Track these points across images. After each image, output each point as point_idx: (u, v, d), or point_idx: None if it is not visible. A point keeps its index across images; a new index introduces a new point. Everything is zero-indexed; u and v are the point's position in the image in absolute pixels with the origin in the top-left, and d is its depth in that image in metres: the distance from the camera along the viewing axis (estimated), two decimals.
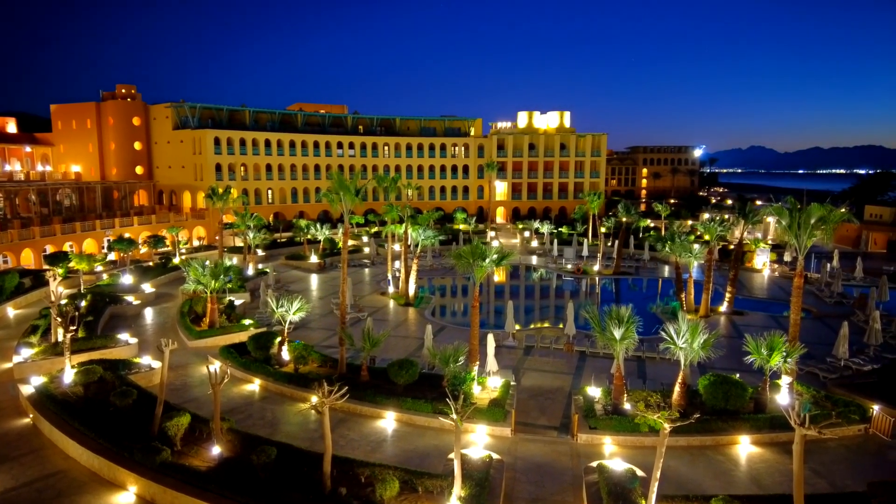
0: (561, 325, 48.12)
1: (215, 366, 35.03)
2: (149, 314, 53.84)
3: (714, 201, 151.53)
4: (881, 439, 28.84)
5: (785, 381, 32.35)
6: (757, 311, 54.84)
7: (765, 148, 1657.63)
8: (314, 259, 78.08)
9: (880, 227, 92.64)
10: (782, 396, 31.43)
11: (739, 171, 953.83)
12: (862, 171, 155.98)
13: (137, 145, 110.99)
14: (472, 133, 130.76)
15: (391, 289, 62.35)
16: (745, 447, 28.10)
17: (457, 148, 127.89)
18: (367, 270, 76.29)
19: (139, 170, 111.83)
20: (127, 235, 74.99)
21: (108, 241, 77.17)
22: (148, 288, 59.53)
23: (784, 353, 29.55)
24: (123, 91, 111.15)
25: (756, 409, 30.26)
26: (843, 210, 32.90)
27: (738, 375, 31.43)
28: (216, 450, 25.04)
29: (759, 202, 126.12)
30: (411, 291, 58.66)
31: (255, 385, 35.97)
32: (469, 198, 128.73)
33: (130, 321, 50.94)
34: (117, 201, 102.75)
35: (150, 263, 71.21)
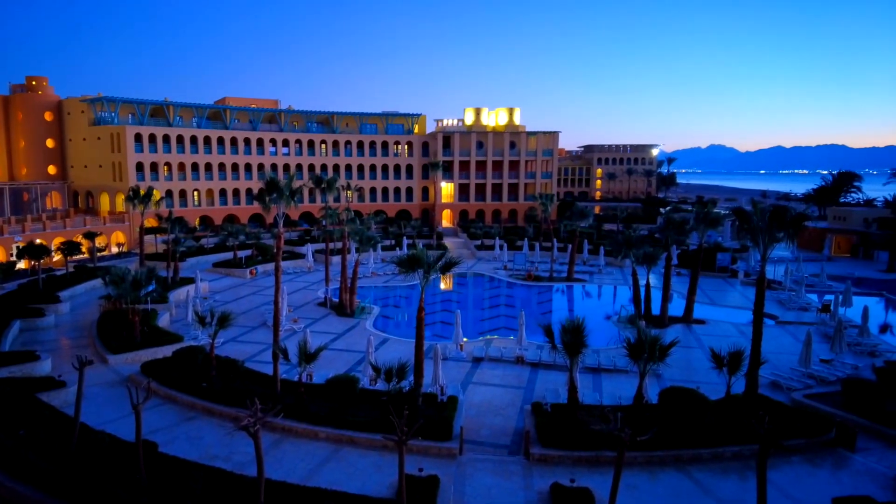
0: (511, 337, 48.61)
1: (137, 384, 34.49)
2: (63, 328, 52.56)
3: (672, 203, 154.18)
4: (845, 453, 29.69)
5: (746, 393, 33.09)
6: (718, 318, 56.00)
7: (725, 147, 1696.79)
8: (245, 267, 77.32)
9: (844, 231, 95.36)
10: (743, 409, 32.15)
11: (699, 171, 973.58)
12: (825, 171, 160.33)
13: (50, 143, 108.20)
14: (417, 131, 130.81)
15: (329, 298, 62.08)
16: (706, 462, 28.65)
17: (400, 146, 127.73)
18: (303, 278, 75.87)
19: (52, 169, 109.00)
20: (38, 241, 73.08)
21: (17, 247, 75.13)
22: (62, 299, 58.28)
23: (746, 364, 30.27)
24: (34, 83, 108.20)
25: (717, 423, 30.88)
26: (805, 212, 33.96)
27: (698, 388, 32.09)
28: (139, 476, 24.62)
29: (719, 203, 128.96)
30: (351, 301, 58.51)
31: (180, 404, 35.44)
32: (413, 200, 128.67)
33: (42, 336, 49.76)
34: (27, 204, 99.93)
35: (65, 272, 69.63)
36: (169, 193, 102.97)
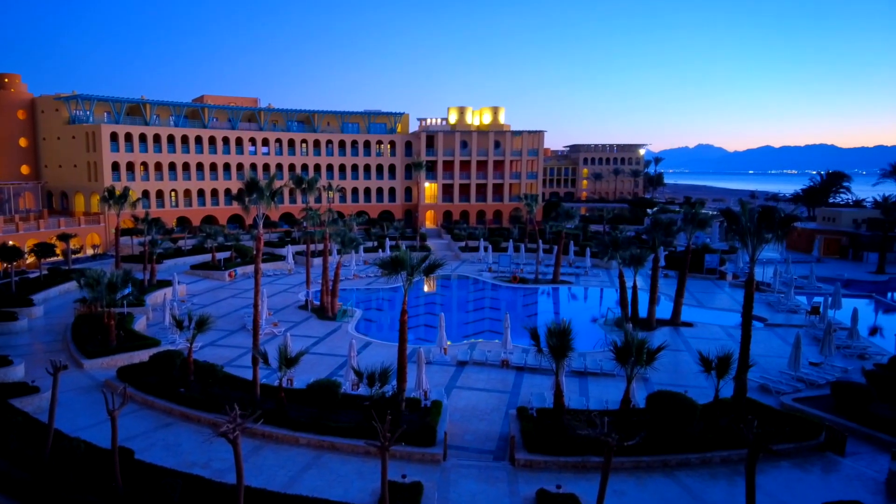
0: (496, 340, 48.58)
1: (113, 389, 34.25)
2: (36, 332, 52.19)
3: (660, 204, 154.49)
4: (835, 457, 29.87)
5: (735, 397, 33.24)
6: (706, 321, 56.23)
7: (713, 146, 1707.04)
8: (224, 269, 76.98)
9: (834, 232, 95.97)
10: (732, 413, 32.27)
11: (687, 171, 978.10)
12: (814, 172, 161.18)
13: (23, 142, 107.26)
14: (399, 130, 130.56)
15: (311, 301, 61.92)
16: (694, 467, 28.79)
17: (382, 146, 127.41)
18: (283, 281, 75.64)
19: (25, 169, 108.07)
20: (11, 243, 72.56)
21: None
22: (36, 302, 57.83)
23: (734, 368, 30.38)
24: (6, 81, 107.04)
25: (705, 427, 30.98)
26: (794, 213, 34.18)
27: (686, 392, 32.18)
28: (115, 483, 24.47)
29: (707, 204, 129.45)
30: (333, 304, 58.36)
31: (157, 410, 35.27)
32: (396, 201, 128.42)
33: (15, 340, 49.36)
34: None
35: (38, 275, 69.11)
36: (145, 194, 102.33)
